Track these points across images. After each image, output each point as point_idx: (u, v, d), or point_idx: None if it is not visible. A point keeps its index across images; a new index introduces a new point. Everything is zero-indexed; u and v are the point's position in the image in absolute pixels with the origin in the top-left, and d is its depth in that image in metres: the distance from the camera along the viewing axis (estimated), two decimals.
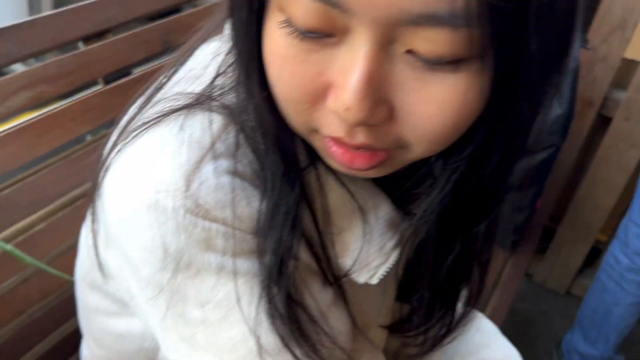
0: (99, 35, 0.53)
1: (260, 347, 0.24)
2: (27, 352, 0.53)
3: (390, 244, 0.28)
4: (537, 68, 0.18)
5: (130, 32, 0.54)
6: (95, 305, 0.37)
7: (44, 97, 0.47)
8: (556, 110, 0.89)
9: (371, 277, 0.28)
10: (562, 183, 1.15)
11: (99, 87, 0.55)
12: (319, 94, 0.19)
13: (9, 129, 0.44)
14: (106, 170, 0.24)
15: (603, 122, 1.02)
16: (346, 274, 0.27)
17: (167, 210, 0.22)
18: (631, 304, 0.92)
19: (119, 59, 0.54)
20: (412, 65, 0.17)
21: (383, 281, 0.31)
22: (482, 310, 0.81)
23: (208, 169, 0.22)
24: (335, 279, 0.27)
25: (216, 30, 0.28)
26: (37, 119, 0.47)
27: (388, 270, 0.28)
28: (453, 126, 0.19)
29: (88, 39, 0.52)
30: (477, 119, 0.20)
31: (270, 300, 0.24)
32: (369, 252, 0.27)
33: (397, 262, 0.31)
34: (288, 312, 0.24)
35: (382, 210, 0.28)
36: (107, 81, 0.53)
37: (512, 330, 1.07)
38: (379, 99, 0.18)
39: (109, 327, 0.37)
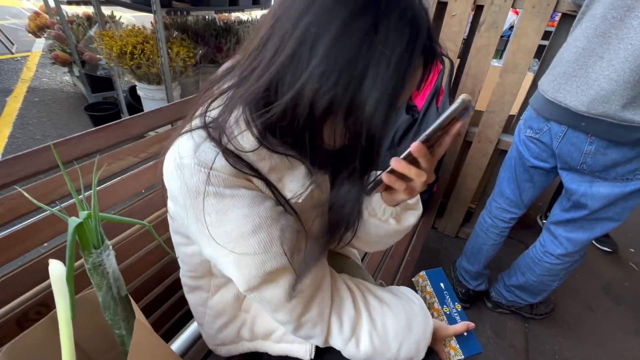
0: None
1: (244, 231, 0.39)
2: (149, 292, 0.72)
3: (307, 183, 0.45)
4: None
5: None
6: (177, 241, 0.55)
7: None
8: None
9: (297, 198, 0.45)
10: (448, 178, 1.69)
11: None
12: None
13: None
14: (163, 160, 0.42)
15: (467, 144, 1.59)
16: (287, 200, 0.43)
17: (185, 166, 0.38)
18: (491, 244, 1.33)
19: None
20: None
21: (318, 210, 0.48)
22: (405, 250, 1.13)
23: (204, 145, 0.39)
24: (284, 202, 0.43)
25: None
26: None
27: (306, 196, 0.45)
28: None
29: None
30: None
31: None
32: (296, 187, 0.44)
33: (319, 197, 0.48)
34: None
35: (301, 167, 0.45)
36: None
37: (426, 259, 1.59)
38: None
39: (184, 251, 0.55)
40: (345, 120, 0.37)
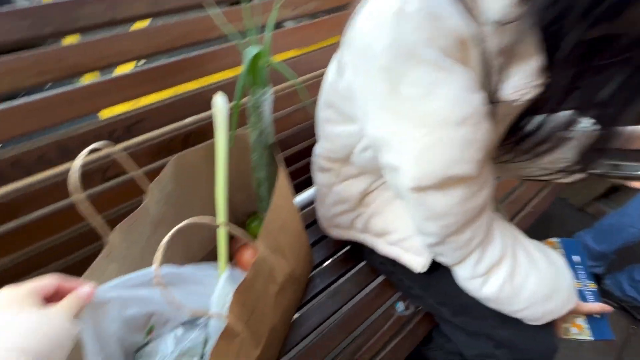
0: None
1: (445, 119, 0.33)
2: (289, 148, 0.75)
3: (533, 82, 0.35)
4: None
5: None
6: (328, 117, 0.50)
7: None
8: None
9: (518, 99, 0.36)
10: None
11: None
12: None
13: None
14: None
15: None
16: (500, 98, 0.35)
17: (408, 15, 0.29)
18: None
19: None
20: None
21: (503, 119, 0.42)
22: (529, 199, 0.99)
23: None
24: (494, 98, 0.35)
25: None
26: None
27: (528, 98, 0.36)
28: None
29: None
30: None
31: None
32: (519, 84, 0.35)
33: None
34: None
35: (533, 60, 0.35)
36: None
37: (535, 221, 1.37)
38: None
39: (333, 130, 0.51)
40: None
